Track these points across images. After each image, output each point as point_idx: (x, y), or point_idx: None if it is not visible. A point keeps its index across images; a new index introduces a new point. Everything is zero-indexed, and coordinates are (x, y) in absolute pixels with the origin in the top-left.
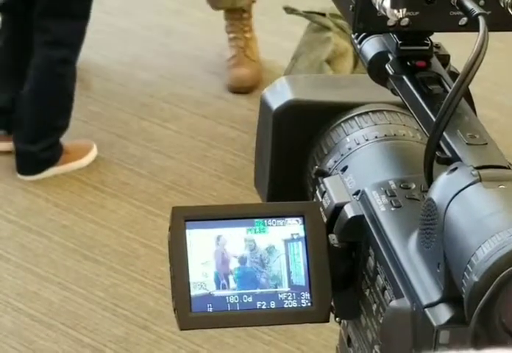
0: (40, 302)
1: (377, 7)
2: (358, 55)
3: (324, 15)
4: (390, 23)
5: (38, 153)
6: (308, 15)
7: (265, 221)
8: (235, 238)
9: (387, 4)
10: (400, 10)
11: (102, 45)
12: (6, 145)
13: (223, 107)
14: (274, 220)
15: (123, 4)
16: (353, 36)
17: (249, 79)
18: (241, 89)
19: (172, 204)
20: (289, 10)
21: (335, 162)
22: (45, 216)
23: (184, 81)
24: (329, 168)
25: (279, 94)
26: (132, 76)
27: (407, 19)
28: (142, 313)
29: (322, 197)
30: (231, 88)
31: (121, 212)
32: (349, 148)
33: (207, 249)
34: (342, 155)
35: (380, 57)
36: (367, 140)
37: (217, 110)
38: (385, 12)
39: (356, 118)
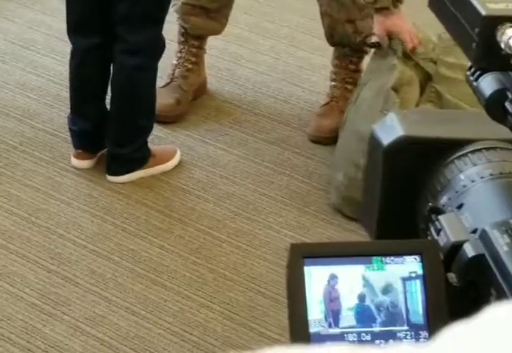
0: (109, 326)
1: (503, 46)
2: (474, 92)
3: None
4: None
5: (128, 154)
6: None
7: (384, 259)
8: (353, 276)
9: None
10: None
11: (169, 71)
12: (84, 163)
13: (287, 133)
14: (392, 258)
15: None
16: (468, 73)
17: (329, 131)
18: (320, 139)
19: (238, 230)
20: None
21: (449, 199)
22: (113, 240)
23: (249, 107)
24: (443, 205)
25: (389, 130)
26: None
27: None
28: (210, 339)
29: (438, 235)
30: (310, 137)
31: (188, 237)
32: (464, 186)
33: (325, 286)
34: (457, 192)
35: (499, 95)
36: (482, 177)
37: (282, 136)
38: (511, 51)
39: (469, 154)
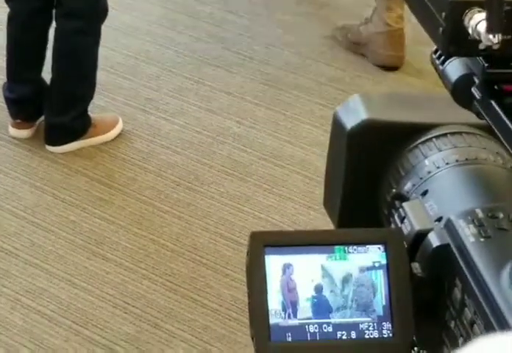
0: (50, 299)
1: (470, 31)
2: (440, 76)
3: None
4: (481, 46)
5: (66, 123)
6: None
7: (346, 248)
8: (311, 265)
9: (481, 28)
10: (496, 35)
11: (107, 39)
12: (23, 132)
13: (229, 102)
14: (355, 247)
15: None
16: (434, 56)
17: None
18: None
19: (180, 200)
20: None
21: (414, 185)
22: (53, 211)
23: (189, 75)
24: (407, 192)
25: (352, 113)
26: (138, 69)
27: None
28: (152, 311)
29: (402, 222)
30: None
31: (129, 208)
32: (429, 172)
33: (286, 276)
34: (421, 178)
35: (465, 80)
36: (447, 163)
37: (223, 104)
38: (479, 36)
39: (434, 139)
